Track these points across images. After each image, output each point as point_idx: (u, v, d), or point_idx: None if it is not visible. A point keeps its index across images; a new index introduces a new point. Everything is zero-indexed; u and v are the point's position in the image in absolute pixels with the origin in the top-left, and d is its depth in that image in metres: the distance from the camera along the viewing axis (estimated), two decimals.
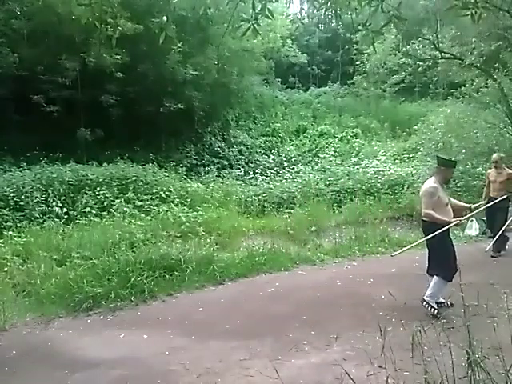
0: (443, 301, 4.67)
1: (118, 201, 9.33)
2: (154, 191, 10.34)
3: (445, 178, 4.62)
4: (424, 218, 4.58)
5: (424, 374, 3.09)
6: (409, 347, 2.37)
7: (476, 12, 2.76)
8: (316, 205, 9.61)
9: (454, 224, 4.46)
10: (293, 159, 17.81)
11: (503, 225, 6.29)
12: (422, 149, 12.37)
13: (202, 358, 3.84)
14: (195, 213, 8.89)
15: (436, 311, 4.42)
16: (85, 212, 8.73)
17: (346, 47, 26.47)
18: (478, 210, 4.93)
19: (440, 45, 11.81)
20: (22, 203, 8.59)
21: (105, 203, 9.29)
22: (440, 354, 2.88)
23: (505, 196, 6.54)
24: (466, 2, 2.77)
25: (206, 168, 16.06)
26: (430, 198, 4.48)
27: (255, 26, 2.77)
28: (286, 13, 24.79)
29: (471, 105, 11.59)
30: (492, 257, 6.54)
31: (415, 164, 12.77)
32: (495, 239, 6.22)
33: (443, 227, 4.38)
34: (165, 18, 2.84)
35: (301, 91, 26.19)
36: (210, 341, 4.19)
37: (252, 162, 17.61)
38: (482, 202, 6.33)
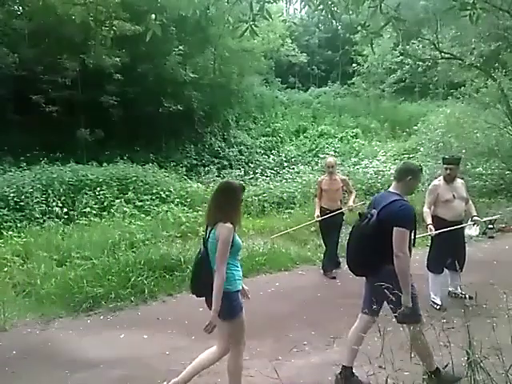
0: (451, 289, 4.96)
1: (118, 201, 9.32)
2: (154, 191, 10.33)
3: (445, 176, 4.72)
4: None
5: (424, 374, 3.09)
6: (409, 347, 2.38)
7: (474, 13, 2.76)
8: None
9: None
10: (293, 159, 17.81)
11: (337, 242, 6.02)
12: (422, 149, 12.36)
13: None
14: (195, 213, 8.88)
15: (438, 307, 4.62)
16: (85, 212, 8.72)
17: (346, 47, 26.48)
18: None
19: (440, 45, 11.81)
20: (22, 203, 8.58)
21: (105, 203, 9.28)
22: (440, 354, 2.89)
23: (340, 210, 5.97)
24: (465, 3, 2.77)
25: (206, 168, 16.04)
26: (427, 195, 4.77)
27: (253, 26, 2.77)
28: (285, 12, 24.81)
29: (471, 105, 11.58)
30: (332, 278, 5.92)
31: None
32: (330, 258, 5.97)
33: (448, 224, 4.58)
34: (153, 16, 2.83)
35: (301, 91, 26.20)
36: (210, 341, 4.17)
37: (252, 162, 17.59)
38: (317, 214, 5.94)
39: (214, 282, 2.77)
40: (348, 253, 3.23)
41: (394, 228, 2.89)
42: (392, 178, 3.37)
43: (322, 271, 6.11)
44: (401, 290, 2.86)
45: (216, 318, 2.78)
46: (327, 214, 5.90)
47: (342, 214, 6.06)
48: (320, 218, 5.97)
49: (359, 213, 3.18)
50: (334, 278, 5.92)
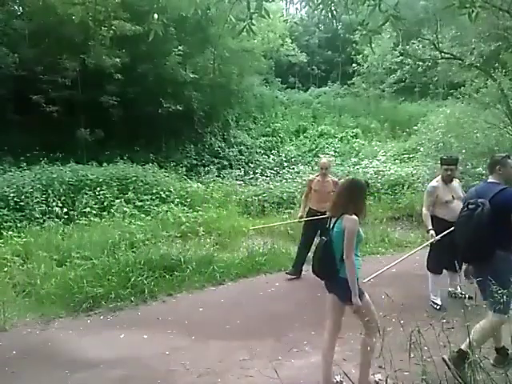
0: (450, 290, 5.00)
1: (118, 201, 9.32)
2: (154, 191, 10.33)
3: (444, 176, 4.73)
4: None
5: (423, 374, 3.09)
6: (408, 347, 2.38)
7: (473, 11, 2.76)
8: None
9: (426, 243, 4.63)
10: (293, 159, 17.80)
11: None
12: (422, 149, 12.34)
13: (201, 358, 3.84)
14: (195, 213, 8.88)
15: (438, 307, 4.57)
16: (85, 212, 8.72)
17: (346, 47, 26.47)
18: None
19: (440, 45, 11.78)
20: (21, 203, 8.57)
21: (105, 203, 9.28)
22: (439, 355, 2.89)
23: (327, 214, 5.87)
24: (464, 1, 2.77)
25: (206, 168, 16.03)
26: (426, 197, 4.75)
27: (250, 25, 2.76)
28: (285, 12, 24.81)
29: (471, 105, 11.56)
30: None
31: (415, 164, 12.77)
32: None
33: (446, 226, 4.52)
34: (156, 16, 2.82)
35: (301, 91, 26.16)
36: (209, 341, 4.19)
37: (252, 162, 17.58)
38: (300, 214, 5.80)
39: (346, 270, 3.06)
40: (464, 243, 3.33)
41: None
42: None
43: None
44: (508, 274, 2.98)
45: (358, 301, 3.07)
46: (317, 215, 5.65)
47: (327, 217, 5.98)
48: (304, 219, 5.84)
49: (469, 202, 3.31)
50: None
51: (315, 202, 5.80)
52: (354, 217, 3.06)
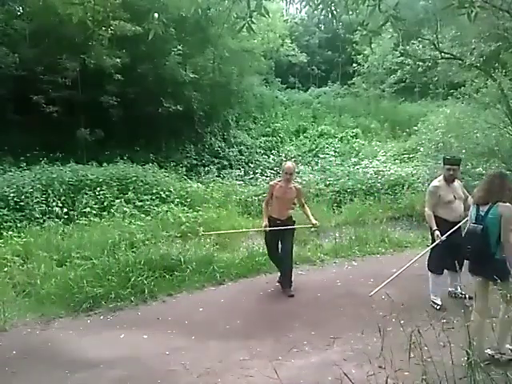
0: (451, 290, 5.04)
1: (118, 201, 9.31)
2: (154, 191, 10.32)
3: (445, 176, 4.73)
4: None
5: (423, 374, 3.09)
6: (408, 347, 2.38)
7: (472, 11, 2.76)
8: (316, 205, 9.61)
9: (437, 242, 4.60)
10: (293, 159, 17.80)
11: (292, 252, 5.46)
12: (421, 149, 12.35)
13: (201, 358, 3.84)
14: (195, 213, 8.88)
15: (438, 307, 4.59)
16: (85, 212, 8.72)
17: (346, 47, 26.49)
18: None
19: (440, 45, 11.78)
20: (21, 203, 8.57)
21: (105, 203, 9.28)
22: (440, 355, 2.89)
23: (293, 219, 5.43)
24: (463, 1, 2.77)
25: (206, 168, 16.04)
26: (429, 197, 4.74)
27: (250, 23, 2.77)
28: (285, 12, 24.85)
29: (471, 105, 11.57)
30: (290, 296, 5.26)
31: (415, 164, 12.77)
32: (286, 273, 5.32)
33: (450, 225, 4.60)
34: (156, 15, 2.82)
35: (301, 91, 26.19)
36: (210, 341, 4.19)
37: (252, 162, 17.59)
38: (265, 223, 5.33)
39: (506, 251, 3.39)
40: None
41: None
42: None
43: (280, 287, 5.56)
44: None
45: None
46: (278, 223, 5.28)
47: (294, 223, 5.48)
48: (270, 229, 5.36)
49: None
50: (293, 295, 5.33)
51: (276, 210, 5.38)
52: (509, 204, 3.39)
